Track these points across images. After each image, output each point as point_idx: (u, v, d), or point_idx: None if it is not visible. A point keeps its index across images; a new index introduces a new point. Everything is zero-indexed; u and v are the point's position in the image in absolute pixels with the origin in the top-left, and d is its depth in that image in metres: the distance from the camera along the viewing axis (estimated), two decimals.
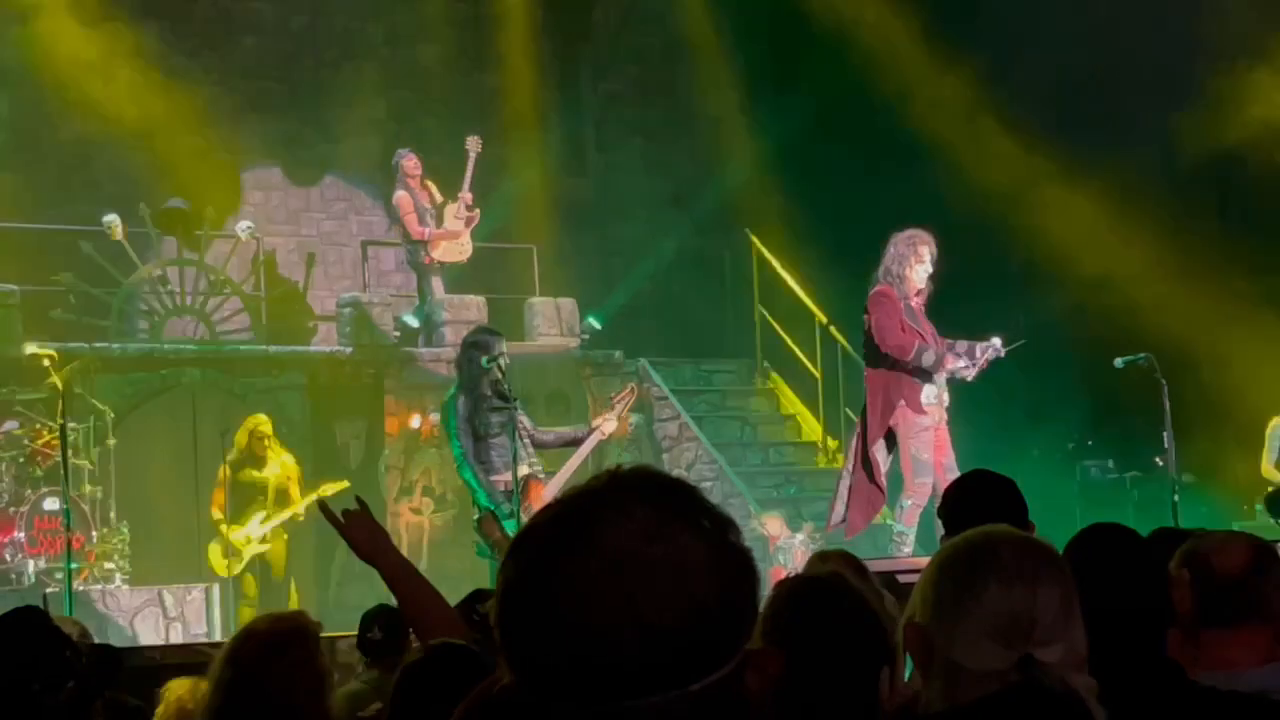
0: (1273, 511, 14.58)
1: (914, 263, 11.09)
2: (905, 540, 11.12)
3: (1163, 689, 3.35)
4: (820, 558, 5.05)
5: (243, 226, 16.76)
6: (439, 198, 16.73)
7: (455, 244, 16.77)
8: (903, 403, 11.10)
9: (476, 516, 11.59)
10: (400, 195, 16.72)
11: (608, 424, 11.96)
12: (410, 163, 16.70)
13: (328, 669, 4.16)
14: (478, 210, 16.76)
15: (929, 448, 11.03)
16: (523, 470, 11.47)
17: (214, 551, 14.37)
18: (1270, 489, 14.66)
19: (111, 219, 15.92)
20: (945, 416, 11.21)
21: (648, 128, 19.32)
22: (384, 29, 19.02)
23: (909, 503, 11.11)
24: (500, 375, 11.47)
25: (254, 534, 14.23)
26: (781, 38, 18.64)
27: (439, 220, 16.70)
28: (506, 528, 11.28)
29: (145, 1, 17.92)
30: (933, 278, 11.22)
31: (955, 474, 10.50)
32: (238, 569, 14.28)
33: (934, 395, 11.11)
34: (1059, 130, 16.51)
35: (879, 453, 11.19)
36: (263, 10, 18.65)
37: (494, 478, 11.47)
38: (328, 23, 18.86)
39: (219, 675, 4.20)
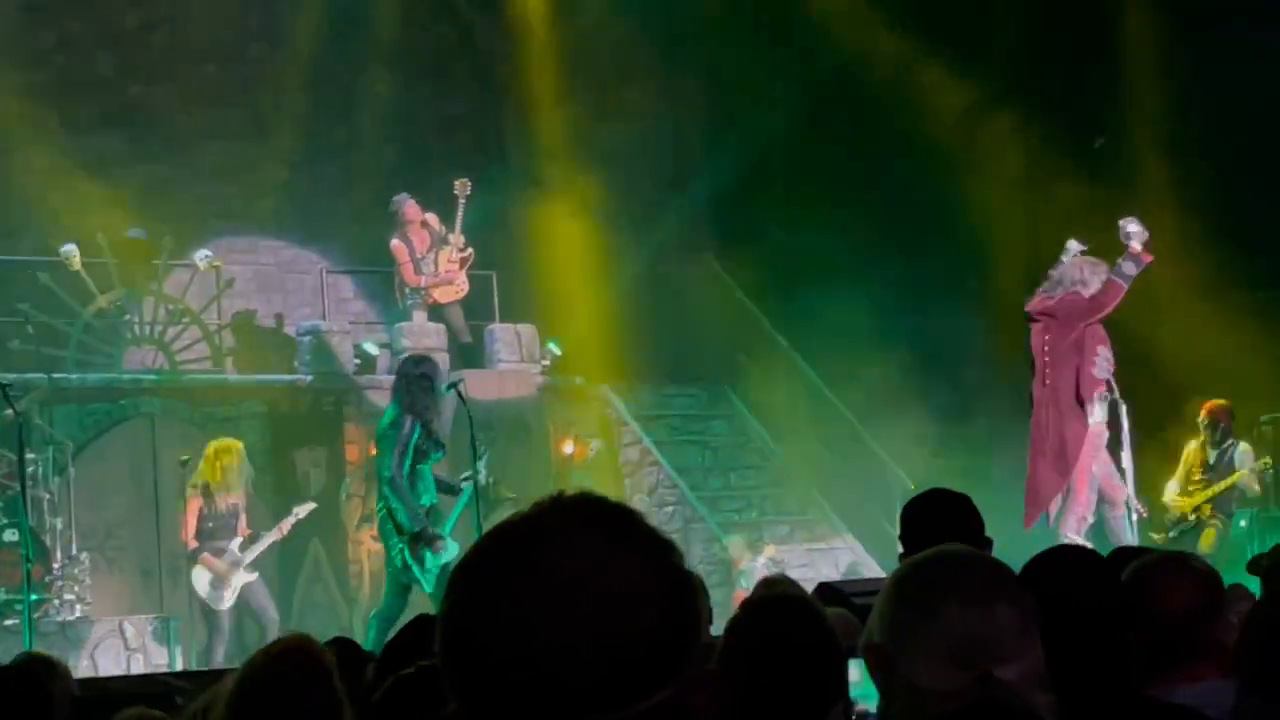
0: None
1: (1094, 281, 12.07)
2: None
3: (1117, 704, 3.36)
4: (765, 583, 5.08)
5: (201, 255, 16.71)
6: (440, 229, 16.69)
7: (451, 286, 16.83)
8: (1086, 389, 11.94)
9: (404, 539, 11.75)
10: (396, 244, 16.69)
11: (479, 475, 12.33)
12: (410, 209, 16.63)
13: (341, 695, 4.13)
14: (471, 250, 16.81)
15: (1093, 463, 11.87)
16: (429, 499, 11.94)
17: (200, 581, 13.75)
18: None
19: (69, 249, 15.86)
20: (1106, 429, 11.97)
21: (610, 150, 19.32)
22: (343, 57, 19.00)
23: (1080, 513, 11.98)
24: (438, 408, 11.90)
25: (239, 560, 13.89)
26: (745, 60, 18.66)
27: (435, 265, 16.70)
28: (426, 552, 11.70)
29: (100, 33, 17.89)
30: None
31: (1122, 480, 11.70)
32: (230, 597, 13.67)
33: (1100, 417, 11.97)
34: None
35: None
36: (222, 39, 18.61)
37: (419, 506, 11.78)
38: (287, 51, 18.82)
39: (234, 697, 4.16)
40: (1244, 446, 15.02)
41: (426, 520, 11.77)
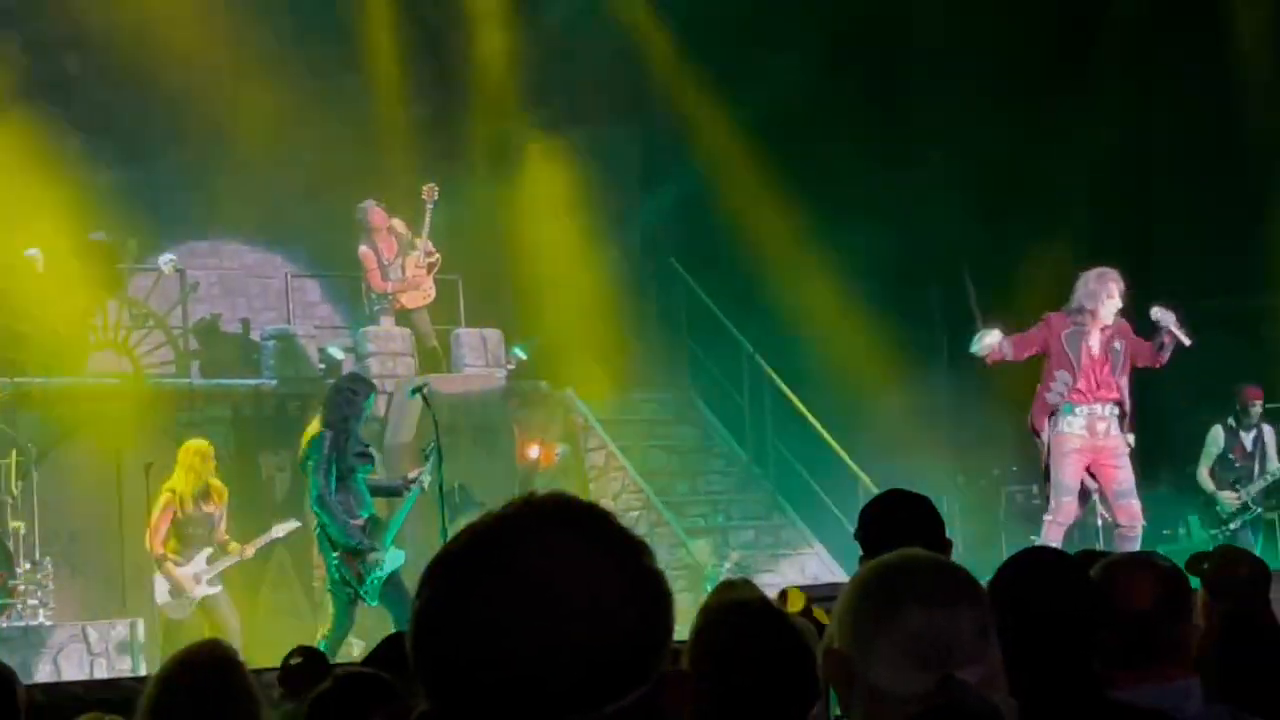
0: (1203, 521, 14.79)
1: (1105, 299, 11.70)
2: None
3: (1080, 706, 3.37)
4: (727, 586, 5.07)
5: (165, 260, 16.66)
6: (406, 233, 16.64)
7: (418, 292, 16.80)
8: (1037, 418, 11.81)
9: (336, 554, 11.73)
10: (364, 250, 16.63)
11: (424, 477, 12.26)
12: (376, 216, 16.58)
13: (259, 696, 4.13)
14: (438, 255, 16.78)
15: (1072, 471, 11.61)
16: (365, 512, 11.93)
17: (159, 588, 13.69)
18: (1202, 497, 14.88)
19: (33, 254, 15.79)
20: (1113, 443, 11.72)
21: (574, 155, 19.31)
22: (306, 60, 18.94)
23: (1048, 518, 11.71)
24: (380, 426, 11.94)
25: (201, 573, 13.80)
26: (709, 67, 18.66)
27: (402, 270, 16.66)
28: (362, 566, 11.72)
29: (66, 35, 17.84)
30: (1119, 313, 11.78)
31: (1130, 500, 11.58)
32: (189, 609, 13.58)
33: (1079, 426, 11.65)
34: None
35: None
36: (184, 42, 18.52)
37: (352, 520, 11.75)
38: (252, 54, 18.75)
39: (149, 704, 4.16)
40: (1269, 430, 15.02)
41: (362, 534, 11.78)
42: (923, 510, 5.43)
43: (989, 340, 11.93)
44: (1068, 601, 3.51)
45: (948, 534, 5.51)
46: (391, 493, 12.32)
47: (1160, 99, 17.69)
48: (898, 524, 5.27)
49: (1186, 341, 11.68)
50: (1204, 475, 14.90)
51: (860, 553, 5.40)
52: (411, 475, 12.31)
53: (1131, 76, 17.96)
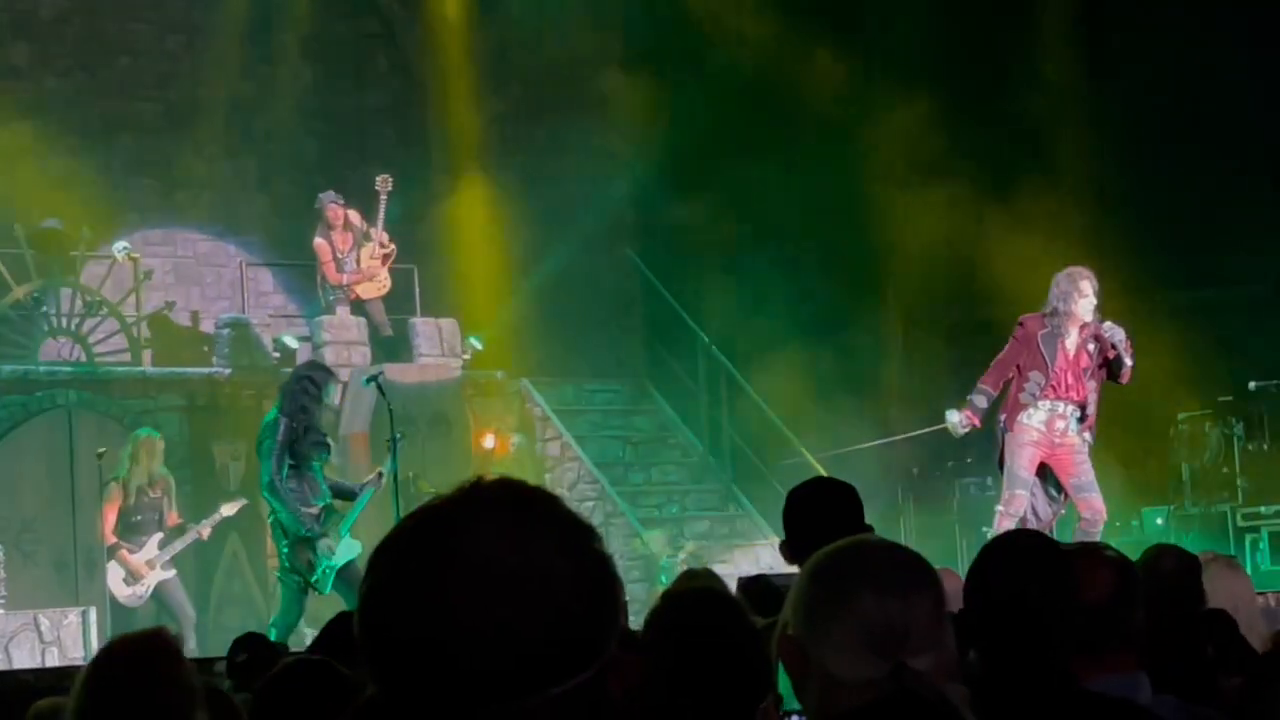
0: None
1: (1077, 297, 11.71)
2: None
3: (1054, 694, 3.39)
4: (689, 575, 5.08)
5: (119, 247, 16.58)
6: (361, 225, 16.60)
7: (373, 283, 16.76)
8: (1009, 417, 11.88)
9: (287, 542, 11.71)
10: (319, 243, 16.60)
11: (385, 470, 12.28)
12: (332, 210, 16.51)
13: (195, 686, 4.08)
14: (394, 246, 16.76)
15: (1027, 464, 11.69)
16: (320, 501, 11.87)
17: (114, 577, 13.79)
18: None
19: None
20: (1071, 441, 11.75)
21: (531, 146, 19.29)
22: (262, 49, 18.88)
23: (999, 509, 11.79)
24: (322, 411, 11.83)
25: (155, 558, 13.88)
26: (668, 58, 18.65)
27: (357, 260, 16.62)
28: (313, 555, 11.67)
29: (15, 21, 17.75)
30: (1097, 309, 11.82)
31: (1090, 494, 11.62)
32: (144, 594, 13.75)
33: (1039, 420, 11.71)
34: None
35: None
36: (138, 30, 18.48)
37: (305, 508, 11.66)
38: (204, 42, 18.70)
39: (79, 694, 4.11)
40: None
41: (315, 521, 11.72)
42: (847, 498, 5.50)
43: (954, 419, 12.10)
44: (1047, 586, 3.53)
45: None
46: (348, 495, 12.25)
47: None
48: (820, 511, 5.36)
49: (1128, 361, 11.74)
50: None
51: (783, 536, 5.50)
52: (368, 479, 12.28)
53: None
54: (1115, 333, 11.74)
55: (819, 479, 5.87)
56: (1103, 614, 3.81)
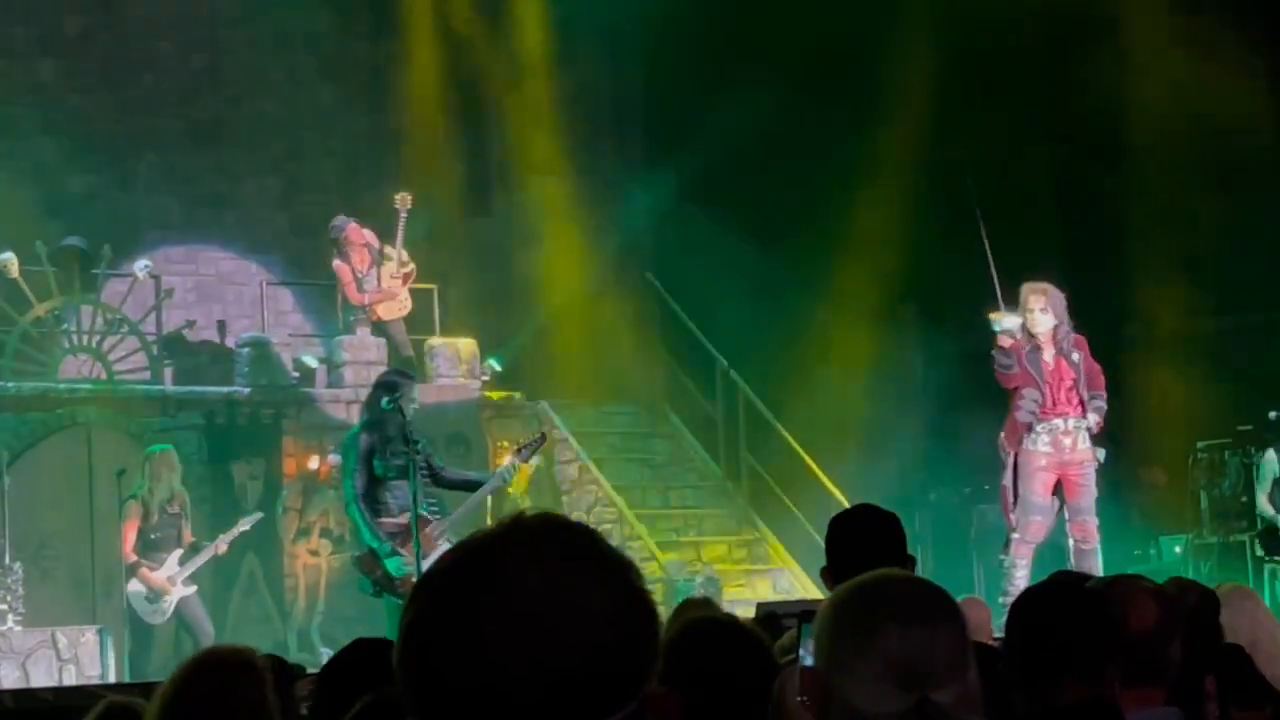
0: (1267, 549, 14.71)
1: (1025, 312, 11.78)
2: (1013, 572, 11.67)
3: None
4: (685, 606, 5.08)
5: (140, 265, 16.61)
6: (378, 245, 16.57)
7: (394, 302, 16.73)
8: (1009, 437, 11.86)
9: (356, 554, 11.66)
10: (339, 265, 16.57)
11: (510, 465, 12.02)
12: (352, 231, 16.45)
13: (274, 707, 4.09)
14: (413, 265, 16.72)
15: (1040, 489, 11.67)
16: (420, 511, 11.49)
17: (136, 595, 13.74)
18: (1264, 525, 14.77)
19: (7, 257, 15.77)
20: (1080, 460, 11.75)
21: (550, 166, 19.28)
22: (284, 69, 18.95)
23: (1015, 536, 11.76)
24: (404, 418, 11.47)
25: (176, 575, 13.86)
26: (687, 78, 18.66)
27: (377, 279, 16.60)
28: (387, 566, 11.39)
29: (40, 38, 17.82)
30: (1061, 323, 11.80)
31: (1087, 517, 11.64)
32: (167, 611, 13.66)
33: (1044, 444, 11.70)
34: None
35: (1010, 484, 11.92)
36: (162, 48, 18.54)
37: (387, 519, 11.51)
38: (228, 61, 18.77)
39: (164, 703, 4.11)
40: None
41: (393, 538, 11.47)
42: (890, 527, 5.46)
43: (1009, 324, 11.87)
44: (1095, 622, 3.53)
45: (917, 551, 5.54)
46: (471, 486, 11.96)
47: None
48: (865, 540, 5.31)
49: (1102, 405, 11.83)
50: (1263, 502, 14.73)
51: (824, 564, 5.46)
52: (503, 466, 12.10)
53: None
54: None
55: (862, 506, 5.78)
56: (1144, 646, 3.80)
